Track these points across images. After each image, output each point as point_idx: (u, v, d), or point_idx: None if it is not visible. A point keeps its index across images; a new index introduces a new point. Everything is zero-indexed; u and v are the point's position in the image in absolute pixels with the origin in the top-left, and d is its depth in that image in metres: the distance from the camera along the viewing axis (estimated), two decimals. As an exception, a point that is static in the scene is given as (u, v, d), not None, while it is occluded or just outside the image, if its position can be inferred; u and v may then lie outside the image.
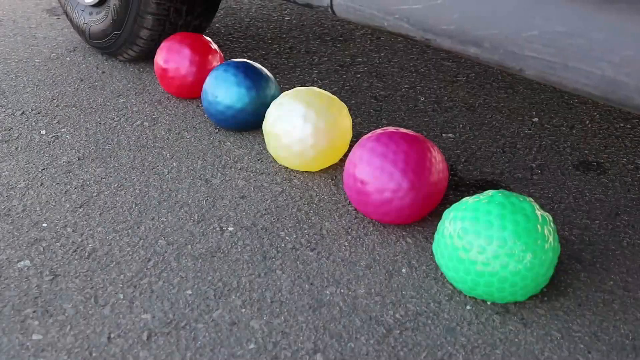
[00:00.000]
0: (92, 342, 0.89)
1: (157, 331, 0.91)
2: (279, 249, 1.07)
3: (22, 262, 1.04)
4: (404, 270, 1.02)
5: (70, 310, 0.95)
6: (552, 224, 0.92)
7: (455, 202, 1.19)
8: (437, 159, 1.07)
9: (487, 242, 0.88)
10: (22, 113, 1.52)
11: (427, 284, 0.99)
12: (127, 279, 1.00)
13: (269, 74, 1.40)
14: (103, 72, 1.74)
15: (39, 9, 2.26)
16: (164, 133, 1.43)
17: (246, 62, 1.39)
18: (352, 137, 1.40)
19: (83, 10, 1.79)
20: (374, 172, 1.04)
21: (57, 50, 1.89)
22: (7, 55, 1.86)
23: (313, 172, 1.28)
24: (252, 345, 0.89)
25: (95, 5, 1.75)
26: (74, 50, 1.89)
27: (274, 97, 1.39)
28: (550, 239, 0.90)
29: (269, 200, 1.19)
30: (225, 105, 1.35)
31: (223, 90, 1.35)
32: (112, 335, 0.90)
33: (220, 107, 1.36)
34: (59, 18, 2.17)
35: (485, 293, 0.91)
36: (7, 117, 1.50)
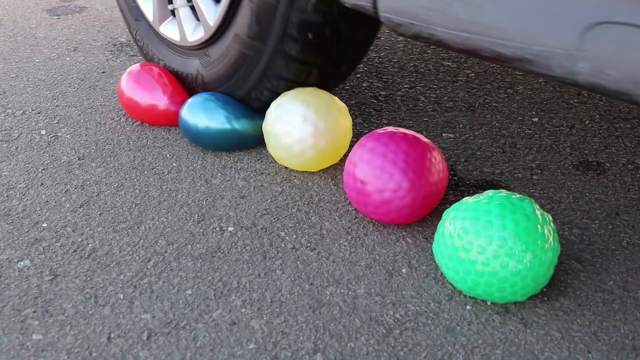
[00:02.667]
0: (92, 342, 0.89)
1: (157, 331, 0.91)
2: (279, 249, 1.07)
3: (22, 262, 1.04)
4: (404, 270, 1.02)
5: (70, 310, 0.95)
6: (552, 224, 0.92)
7: (455, 202, 1.19)
8: (437, 159, 1.07)
9: (487, 242, 0.88)
10: (22, 113, 1.52)
11: (427, 284, 0.99)
12: (127, 279, 1.00)
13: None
14: (103, 72, 1.74)
15: (39, 9, 2.26)
16: (164, 133, 1.43)
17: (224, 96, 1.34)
18: (352, 137, 1.40)
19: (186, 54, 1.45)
20: (374, 172, 1.04)
21: (57, 50, 1.89)
22: (7, 55, 1.86)
23: (313, 172, 1.28)
24: (252, 345, 0.89)
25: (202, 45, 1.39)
26: (74, 50, 1.89)
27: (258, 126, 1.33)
28: (550, 239, 0.90)
29: (269, 200, 1.19)
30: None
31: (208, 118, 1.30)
32: (112, 335, 0.90)
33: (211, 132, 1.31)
34: (59, 18, 2.17)
35: (485, 293, 0.91)
36: (7, 117, 1.51)
